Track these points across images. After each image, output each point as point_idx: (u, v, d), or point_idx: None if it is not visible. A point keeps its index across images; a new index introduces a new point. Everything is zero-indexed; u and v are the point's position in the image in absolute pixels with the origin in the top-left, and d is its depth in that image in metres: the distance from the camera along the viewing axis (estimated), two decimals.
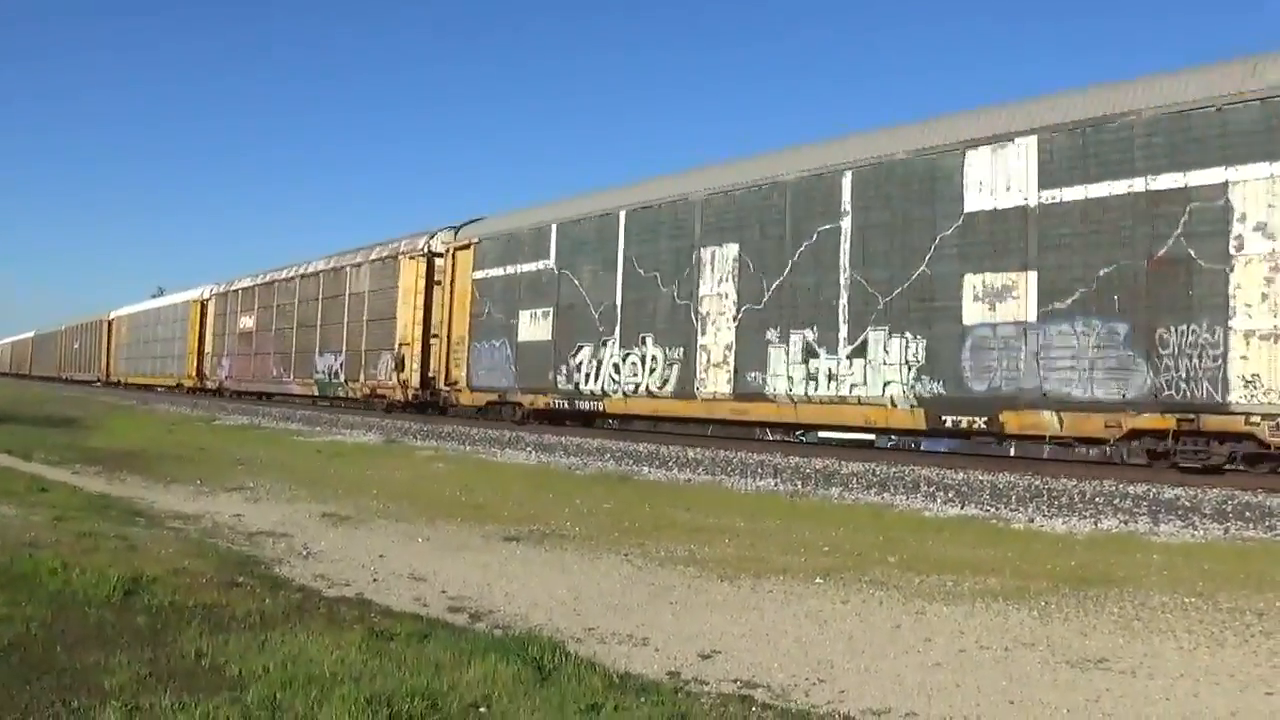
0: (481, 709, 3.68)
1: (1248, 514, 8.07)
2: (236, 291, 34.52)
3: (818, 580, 6.31)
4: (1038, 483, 10.06)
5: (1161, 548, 7.03)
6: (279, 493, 10.73)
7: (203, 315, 37.42)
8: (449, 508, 9.64)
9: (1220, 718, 3.80)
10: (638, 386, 15.86)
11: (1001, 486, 9.96)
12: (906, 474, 10.99)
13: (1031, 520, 8.29)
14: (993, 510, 8.81)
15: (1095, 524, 8.02)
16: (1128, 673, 4.36)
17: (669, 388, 15.31)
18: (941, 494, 9.68)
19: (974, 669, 4.46)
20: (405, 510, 9.45)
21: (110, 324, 50.68)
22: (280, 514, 9.14)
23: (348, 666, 4.11)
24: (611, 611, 5.58)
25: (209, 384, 36.26)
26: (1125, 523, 8.00)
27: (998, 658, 4.65)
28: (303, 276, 29.06)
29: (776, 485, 10.78)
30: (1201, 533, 7.53)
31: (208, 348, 36.85)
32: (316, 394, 27.89)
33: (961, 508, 9.00)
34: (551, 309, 17.90)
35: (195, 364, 37.41)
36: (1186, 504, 8.58)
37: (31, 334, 78.05)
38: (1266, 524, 7.69)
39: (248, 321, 32.83)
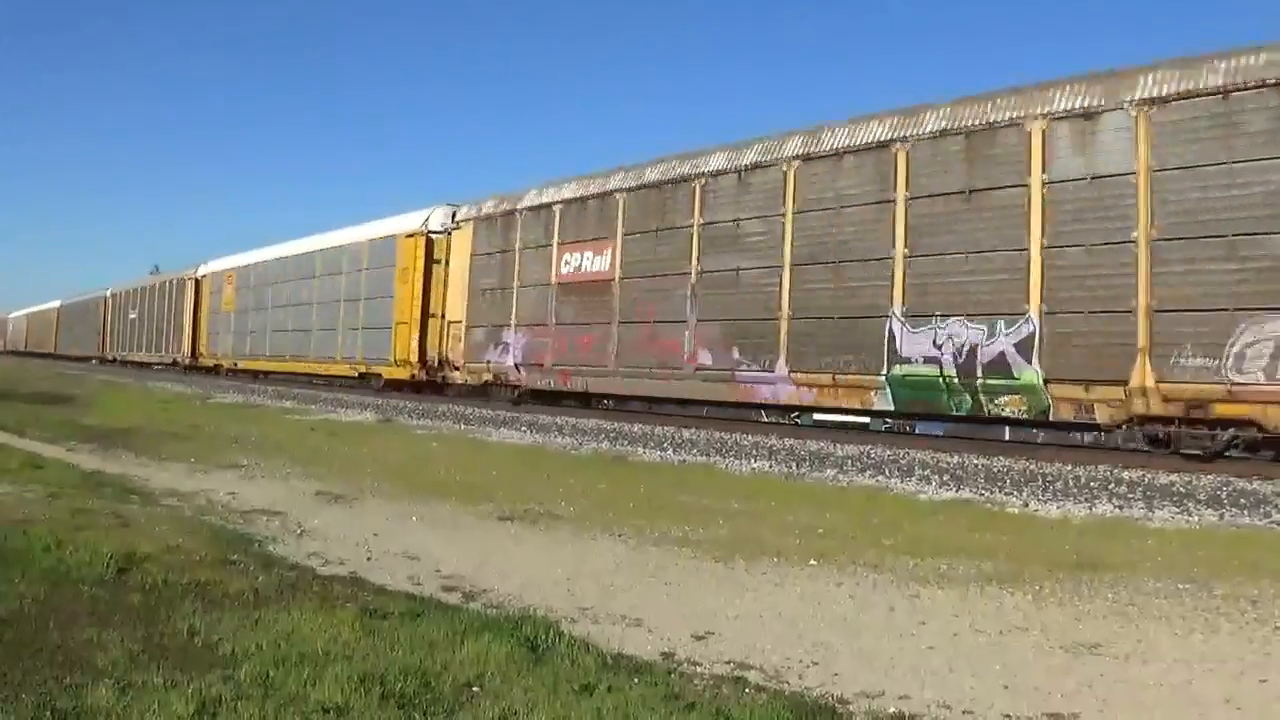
0: (474, 688, 3.67)
1: (1243, 501, 8.10)
2: (547, 209, 18.71)
3: (812, 562, 6.31)
4: (1032, 467, 10.08)
5: (1156, 533, 7.04)
6: (273, 471, 10.70)
7: (430, 257, 22.31)
8: (444, 487, 9.63)
9: (1214, 704, 3.80)
10: None
11: (996, 470, 9.99)
12: (901, 457, 11.02)
13: (1026, 504, 8.30)
14: (987, 494, 8.82)
15: (1090, 509, 8.03)
16: (1122, 658, 4.36)
17: None
18: (936, 477, 9.70)
19: (968, 653, 4.46)
20: (400, 489, 9.44)
21: (199, 283, 37.58)
22: (274, 492, 9.12)
23: (340, 645, 4.10)
24: (605, 592, 5.58)
25: (458, 377, 21.27)
26: (1120, 508, 8.02)
27: (992, 641, 4.65)
28: (804, 159, 13.78)
29: (771, 467, 10.79)
30: (1196, 519, 7.55)
31: (455, 314, 21.22)
32: (884, 406, 12.75)
33: (956, 491, 9.01)
34: None
35: (417, 342, 22.45)
36: (1181, 490, 8.60)
37: (57, 304, 64.81)
38: (1261, 511, 7.71)
39: (588, 260, 17.67)
